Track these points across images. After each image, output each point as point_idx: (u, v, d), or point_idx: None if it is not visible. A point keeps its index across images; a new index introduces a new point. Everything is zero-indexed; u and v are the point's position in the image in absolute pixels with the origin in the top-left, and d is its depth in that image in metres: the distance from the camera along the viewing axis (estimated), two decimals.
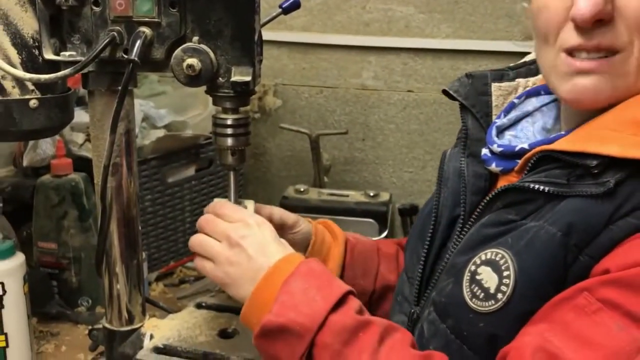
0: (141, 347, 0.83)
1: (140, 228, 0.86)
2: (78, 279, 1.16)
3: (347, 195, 1.45)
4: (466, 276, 0.67)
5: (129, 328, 0.86)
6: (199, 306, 0.93)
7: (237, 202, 0.84)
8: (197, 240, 0.76)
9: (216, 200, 0.84)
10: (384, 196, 1.44)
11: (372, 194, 1.44)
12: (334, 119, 1.55)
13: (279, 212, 0.88)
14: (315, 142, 1.46)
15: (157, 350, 0.81)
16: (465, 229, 0.76)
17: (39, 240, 1.17)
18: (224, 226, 0.75)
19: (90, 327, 0.92)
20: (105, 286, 0.86)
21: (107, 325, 0.87)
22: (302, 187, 1.47)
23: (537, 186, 0.65)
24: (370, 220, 1.41)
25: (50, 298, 1.15)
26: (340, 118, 1.54)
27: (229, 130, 0.80)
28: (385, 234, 1.41)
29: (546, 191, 0.64)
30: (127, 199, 0.83)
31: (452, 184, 0.80)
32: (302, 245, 0.90)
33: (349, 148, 1.55)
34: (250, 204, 0.85)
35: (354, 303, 0.68)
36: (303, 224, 0.91)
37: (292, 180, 1.51)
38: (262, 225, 0.75)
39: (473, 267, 0.67)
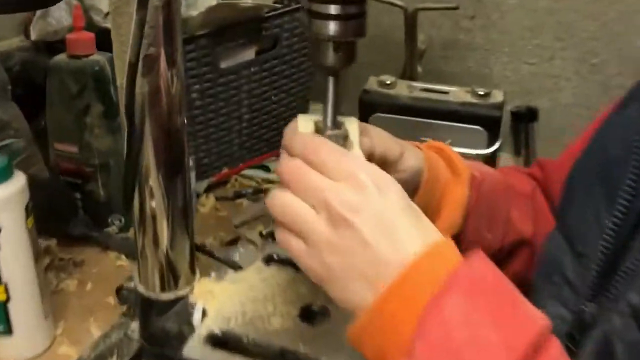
0: (189, 324, 0.58)
1: (186, 144, 0.58)
2: (107, 192, 0.90)
3: (447, 92, 1.12)
4: None
5: (172, 296, 0.60)
6: (269, 260, 0.66)
7: (335, 123, 0.53)
8: (279, 202, 0.46)
9: (301, 121, 0.53)
10: (497, 96, 1.11)
11: (481, 92, 1.10)
12: None
13: (381, 144, 0.57)
14: (411, 19, 1.11)
15: (213, 340, 0.55)
16: None
17: (55, 140, 0.90)
18: (323, 186, 0.45)
19: (117, 287, 0.66)
20: (135, 226, 0.59)
21: (141, 289, 0.61)
22: (388, 79, 1.14)
23: None
24: (478, 127, 1.09)
25: (73, 215, 0.90)
26: None
27: (334, 9, 0.48)
28: (496, 146, 1.09)
29: None
30: (169, 108, 0.54)
31: None
32: (408, 187, 0.59)
33: (452, 28, 1.19)
34: (352, 125, 0.54)
35: (555, 349, 0.39)
36: (411, 156, 0.60)
37: (375, 69, 1.17)
38: (384, 188, 0.45)
39: None
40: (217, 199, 1.02)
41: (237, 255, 0.81)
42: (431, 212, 0.59)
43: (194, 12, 0.90)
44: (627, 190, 0.50)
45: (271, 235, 0.87)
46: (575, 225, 0.56)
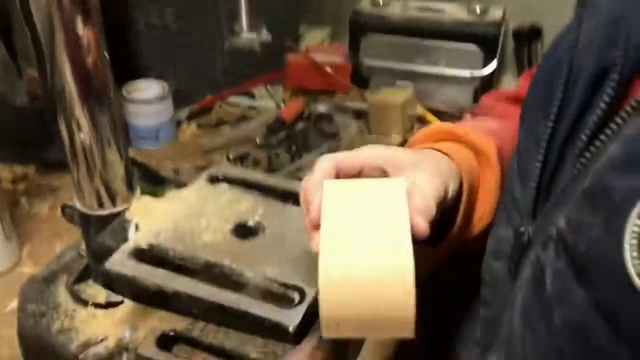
0: (125, 240, 0.57)
1: (106, 54, 0.55)
2: None
3: (443, 11, 1.06)
4: (631, 232, 0.34)
5: (107, 212, 0.59)
6: (213, 180, 0.64)
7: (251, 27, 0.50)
8: None
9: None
10: (495, 13, 1.04)
11: (478, 10, 1.04)
12: None
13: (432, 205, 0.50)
14: None
15: (139, 253, 0.54)
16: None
17: (28, 66, 0.89)
18: None
19: (62, 204, 0.66)
20: (66, 149, 0.58)
21: (79, 206, 0.60)
22: None
23: None
24: (473, 46, 1.03)
25: (51, 141, 0.90)
26: None
27: None
28: (492, 66, 1.03)
29: None
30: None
31: (609, 6, 0.43)
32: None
33: None
34: (399, 188, 0.46)
35: None
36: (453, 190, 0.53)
37: None
38: None
39: None
40: (199, 126, 1.01)
41: None
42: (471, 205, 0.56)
43: None
44: (558, 97, 0.45)
45: (240, 160, 0.86)
46: (522, 141, 0.51)
